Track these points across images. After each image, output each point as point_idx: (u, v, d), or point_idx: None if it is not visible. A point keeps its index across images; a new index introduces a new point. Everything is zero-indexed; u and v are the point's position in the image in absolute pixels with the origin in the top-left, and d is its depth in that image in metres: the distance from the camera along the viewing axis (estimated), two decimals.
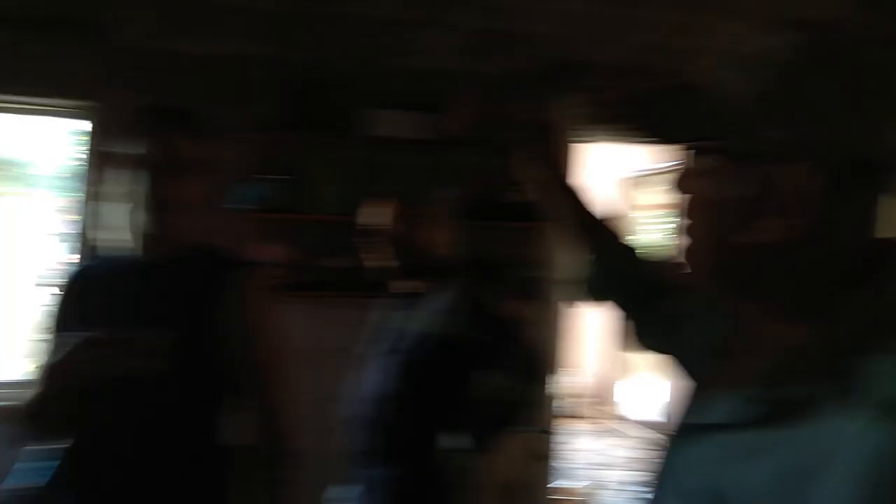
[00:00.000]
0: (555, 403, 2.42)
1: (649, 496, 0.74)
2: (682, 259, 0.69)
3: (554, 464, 2.83)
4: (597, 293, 1.10)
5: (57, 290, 1.39)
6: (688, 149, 0.67)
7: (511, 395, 1.84)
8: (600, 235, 1.07)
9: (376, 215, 1.98)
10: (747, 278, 0.65)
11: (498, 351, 1.84)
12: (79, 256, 1.67)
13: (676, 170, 0.68)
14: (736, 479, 0.60)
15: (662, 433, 0.77)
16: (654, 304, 1.02)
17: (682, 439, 0.70)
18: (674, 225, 0.71)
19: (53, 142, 2.86)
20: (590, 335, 5.64)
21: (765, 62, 0.60)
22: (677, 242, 0.70)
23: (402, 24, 2.98)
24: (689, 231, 0.68)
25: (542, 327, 2.40)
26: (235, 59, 2.80)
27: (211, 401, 1.35)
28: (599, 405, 5.97)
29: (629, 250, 1.07)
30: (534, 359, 1.88)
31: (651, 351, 1.03)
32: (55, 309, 1.38)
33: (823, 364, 0.57)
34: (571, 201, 1.07)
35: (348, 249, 2.73)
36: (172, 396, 1.27)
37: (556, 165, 1.07)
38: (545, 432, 2.34)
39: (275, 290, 2.55)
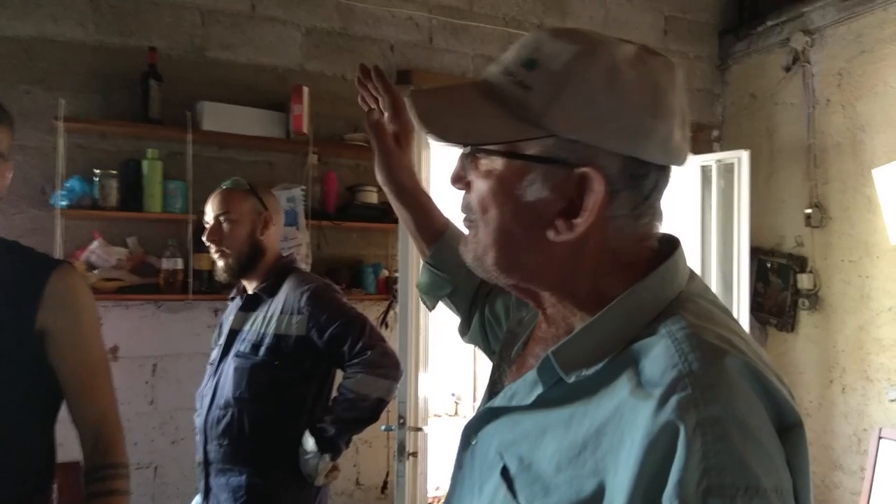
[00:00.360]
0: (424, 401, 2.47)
1: (451, 479, 0.78)
2: (467, 254, 0.72)
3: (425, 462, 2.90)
4: (426, 295, 1.12)
5: None
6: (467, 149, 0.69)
7: (361, 394, 1.84)
8: (433, 235, 1.08)
9: (208, 214, 1.93)
10: (535, 272, 0.68)
11: (342, 349, 1.85)
12: None
13: (455, 168, 0.71)
14: (529, 456, 0.64)
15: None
16: (473, 302, 1.07)
17: (480, 423, 0.74)
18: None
19: None
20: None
21: (544, 71, 0.62)
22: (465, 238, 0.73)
23: (244, 18, 2.92)
24: (468, 225, 0.71)
25: (401, 326, 2.44)
26: (60, 44, 2.59)
27: (24, 413, 1.27)
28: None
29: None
30: (381, 357, 1.87)
31: (474, 344, 1.09)
32: None
33: (605, 347, 0.62)
34: (408, 204, 1.06)
35: (185, 249, 2.64)
36: None
37: (392, 167, 1.02)
38: (417, 430, 2.37)
39: (108, 292, 2.41)
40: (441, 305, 1.15)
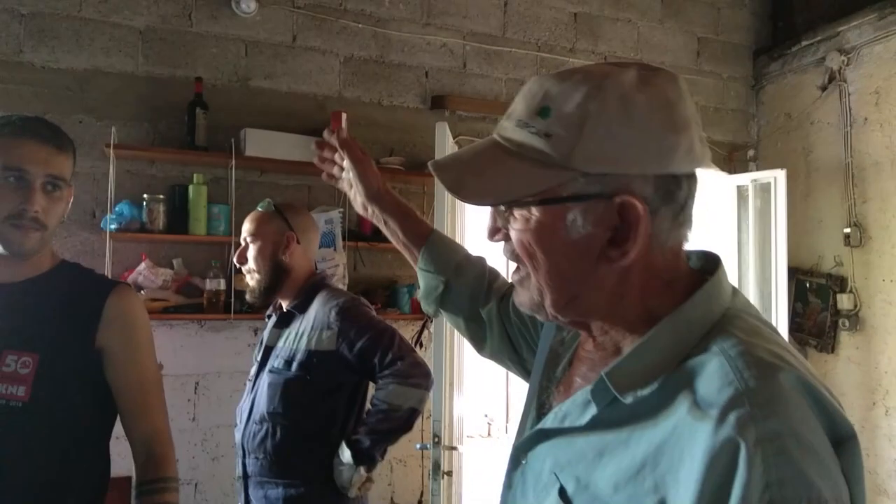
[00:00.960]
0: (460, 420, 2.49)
1: (501, 499, 0.79)
2: (519, 298, 0.74)
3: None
4: (425, 300, 1.15)
5: None
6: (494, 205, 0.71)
7: (394, 404, 1.85)
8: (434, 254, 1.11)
9: (244, 235, 1.99)
10: (591, 306, 0.70)
11: (372, 361, 1.87)
12: None
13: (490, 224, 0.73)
14: (586, 477, 0.65)
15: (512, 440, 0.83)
16: (473, 301, 1.09)
17: (531, 443, 0.74)
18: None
19: None
20: None
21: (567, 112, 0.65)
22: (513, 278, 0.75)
23: (285, 48, 3.03)
24: (518, 276, 0.73)
25: (436, 346, 2.47)
26: (111, 76, 2.73)
27: (83, 428, 1.32)
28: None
29: (461, 266, 1.11)
30: (411, 367, 1.87)
31: (492, 359, 1.10)
32: None
33: (658, 366, 0.63)
34: (393, 213, 1.14)
35: (227, 271, 2.73)
36: (38, 422, 1.23)
37: (370, 185, 1.12)
38: (452, 449, 2.39)
39: (154, 312, 2.50)
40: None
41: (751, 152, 4.00)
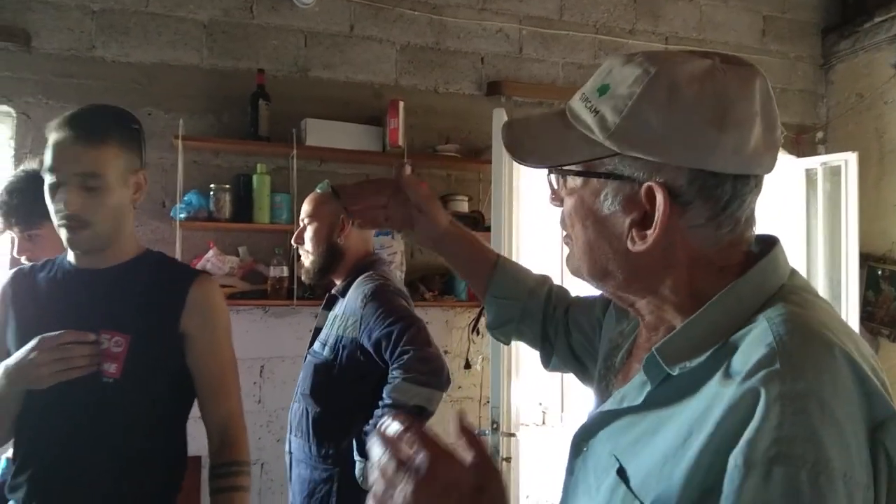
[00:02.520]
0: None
1: (563, 486, 0.80)
2: (570, 266, 0.77)
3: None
4: (498, 329, 1.11)
5: None
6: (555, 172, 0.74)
7: (398, 400, 1.72)
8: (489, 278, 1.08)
9: (302, 216, 2.00)
10: (626, 281, 0.72)
11: (385, 352, 1.77)
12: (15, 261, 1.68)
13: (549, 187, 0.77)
14: (644, 456, 0.66)
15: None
16: (545, 323, 1.07)
17: (593, 428, 0.76)
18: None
19: None
20: None
21: (614, 93, 0.67)
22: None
23: (343, 38, 3.06)
24: (566, 241, 0.76)
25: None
26: (177, 69, 2.82)
27: (166, 407, 1.38)
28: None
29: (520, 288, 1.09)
30: (417, 361, 1.72)
31: (557, 371, 1.10)
32: None
33: (707, 340, 0.65)
34: (459, 242, 1.09)
35: (290, 258, 2.79)
36: (126, 399, 1.30)
37: (434, 220, 1.06)
38: (510, 435, 2.38)
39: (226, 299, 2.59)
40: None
41: (819, 134, 3.85)
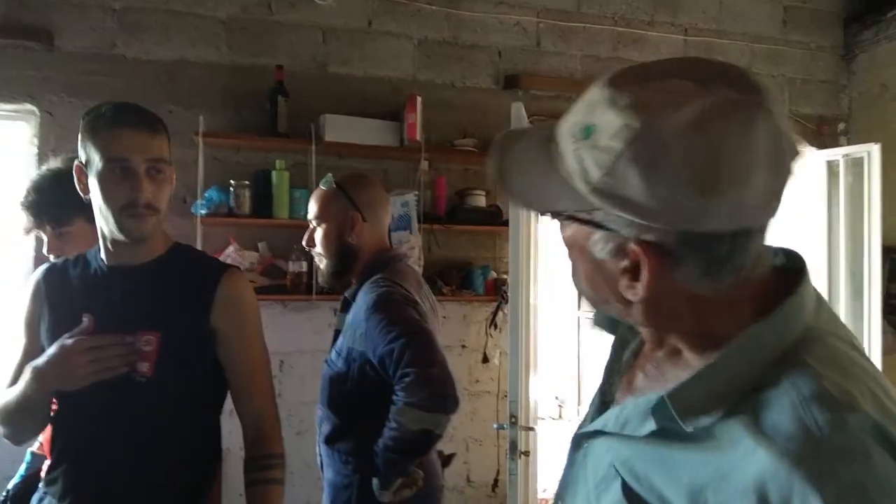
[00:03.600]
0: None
1: (562, 475, 0.81)
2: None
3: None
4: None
5: (26, 291, 1.41)
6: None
7: (402, 425, 1.58)
8: None
9: (309, 216, 1.87)
10: (628, 317, 0.71)
11: (389, 370, 1.62)
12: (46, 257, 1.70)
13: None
14: (647, 478, 0.65)
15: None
16: None
17: (593, 435, 0.75)
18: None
19: (2, 146, 2.85)
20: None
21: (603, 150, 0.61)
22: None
23: (361, 33, 3.07)
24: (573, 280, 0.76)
25: (511, 328, 2.47)
26: (197, 66, 2.85)
27: (199, 403, 1.39)
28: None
29: None
30: (418, 386, 1.56)
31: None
32: (24, 310, 1.40)
33: (724, 395, 0.62)
34: None
35: (309, 253, 2.82)
36: (159, 397, 1.30)
37: None
38: (529, 429, 2.34)
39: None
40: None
41: (841, 125, 3.80)
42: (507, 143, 0.74)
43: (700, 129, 0.56)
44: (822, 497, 0.52)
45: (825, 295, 3.12)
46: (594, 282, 0.70)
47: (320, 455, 1.91)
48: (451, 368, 1.62)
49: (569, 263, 0.75)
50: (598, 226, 0.64)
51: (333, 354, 1.82)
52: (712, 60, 0.63)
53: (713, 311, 0.65)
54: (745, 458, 0.58)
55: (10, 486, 1.78)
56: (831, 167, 3.27)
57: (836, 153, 3.26)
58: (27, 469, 1.80)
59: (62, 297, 1.36)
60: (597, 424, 0.75)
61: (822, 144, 3.63)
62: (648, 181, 0.57)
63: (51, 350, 1.27)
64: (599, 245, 0.66)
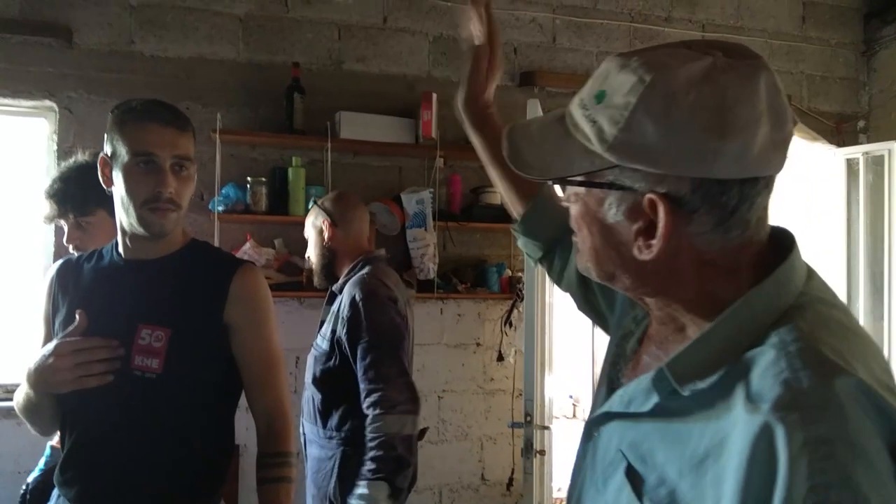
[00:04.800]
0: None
1: (574, 467, 0.82)
2: (580, 265, 0.77)
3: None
4: (524, 233, 1.10)
5: (44, 286, 1.42)
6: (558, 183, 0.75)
7: (375, 436, 1.78)
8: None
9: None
10: (634, 284, 0.72)
11: (358, 371, 1.87)
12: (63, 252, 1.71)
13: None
14: (652, 458, 0.66)
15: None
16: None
17: (600, 422, 0.77)
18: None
19: (22, 142, 2.89)
20: None
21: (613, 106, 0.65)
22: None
23: (376, 30, 3.07)
24: (575, 240, 0.76)
25: (526, 327, 2.47)
26: (214, 63, 2.86)
27: (211, 399, 1.38)
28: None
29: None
30: (384, 395, 1.80)
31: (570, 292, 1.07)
32: (41, 305, 1.41)
33: (719, 359, 0.64)
34: (486, 135, 1.08)
35: None
36: (169, 392, 1.30)
37: (478, 93, 1.07)
38: (544, 428, 2.37)
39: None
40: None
41: (861, 123, 3.75)
42: (520, 124, 0.77)
43: (708, 80, 0.61)
44: (788, 445, 0.54)
45: (844, 295, 3.10)
46: (602, 254, 0.71)
47: (304, 434, 2.10)
48: (410, 370, 1.94)
49: (575, 246, 0.76)
50: (612, 186, 0.66)
51: (318, 339, 2.07)
52: (713, 39, 0.68)
53: (715, 278, 0.67)
54: (738, 419, 0.59)
55: (30, 479, 1.80)
56: (851, 165, 3.24)
57: (856, 151, 3.23)
58: (46, 463, 1.82)
59: (76, 290, 1.37)
60: (604, 408, 0.76)
61: (841, 142, 3.59)
62: (663, 128, 0.61)
63: (42, 351, 1.27)
64: (613, 209, 0.67)
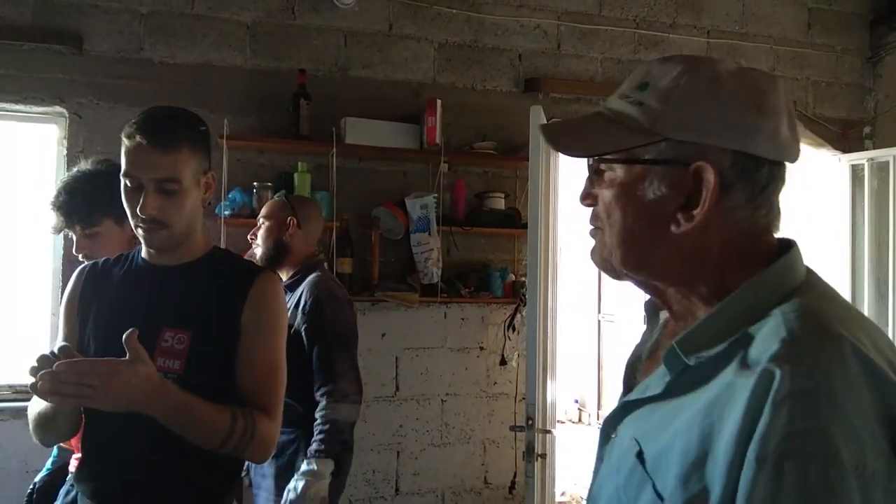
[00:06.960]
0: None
1: (593, 472, 0.84)
2: (594, 259, 0.80)
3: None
4: None
5: (69, 286, 1.44)
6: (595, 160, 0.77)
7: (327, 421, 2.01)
8: None
9: (259, 216, 2.32)
10: (661, 268, 0.75)
11: (316, 372, 2.07)
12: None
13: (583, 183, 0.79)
14: (661, 440, 0.69)
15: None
16: None
17: (619, 416, 0.79)
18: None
19: (33, 147, 2.93)
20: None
21: (659, 85, 0.72)
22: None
23: (382, 37, 3.10)
24: (593, 234, 0.79)
25: (529, 331, 2.49)
26: (222, 70, 2.90)
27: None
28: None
29: None
30: (343, 392, 2.04)
31: None
32: (63, 305, 1.43)
33: (724, 332, 0.68)
34: None
35: (330, 253, 2.85)
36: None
37: None
38: (546, 432, 2.40)
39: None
40: None
41: (867, 129, 3.75)
42: (552, 122, 0.83)
43: (742, 72, 0.71)
44: (775, 392, 0.58)
45: (848, 300, 3.10)
46: (637, 233, 0.73)
47: None
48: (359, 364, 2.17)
49: (590, 243, 0.79)
50: (656, 161, 0.71)
51: None
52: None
53: (733, 265, 0.71)
54: (740, 372, 0.63)
55: (37, 479, 1.83)
56: (856, 171, 3.24)
57: (861, 157, 3.23)
58: (54, 462, 1.85)
59: (105, 291, 1.39)
60: (622, 400, 0.80)
61: (846, 148, 3.58)
62: (711, 102, 0.69)
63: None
64: (654, 184, 0.71)
